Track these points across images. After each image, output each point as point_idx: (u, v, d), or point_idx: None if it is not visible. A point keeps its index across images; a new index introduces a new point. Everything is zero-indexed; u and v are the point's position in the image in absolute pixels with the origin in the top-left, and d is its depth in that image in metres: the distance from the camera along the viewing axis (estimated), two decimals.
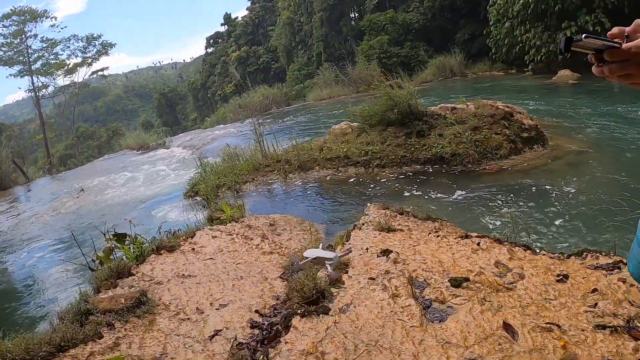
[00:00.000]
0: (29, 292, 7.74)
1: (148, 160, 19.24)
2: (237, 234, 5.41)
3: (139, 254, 4.99)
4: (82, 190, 16.34)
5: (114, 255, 5.22)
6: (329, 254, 3.88)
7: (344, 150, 8.89)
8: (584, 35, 1.40)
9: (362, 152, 8.73)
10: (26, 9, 53.99)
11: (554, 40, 22.75)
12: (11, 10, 53.10)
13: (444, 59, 30.42)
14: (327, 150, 9.13)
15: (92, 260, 5.33)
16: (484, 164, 8.08)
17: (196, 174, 10.89)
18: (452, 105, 9.71)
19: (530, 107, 13.61)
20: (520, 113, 9.25)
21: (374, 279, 3.45)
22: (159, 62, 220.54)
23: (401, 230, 4.67)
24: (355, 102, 20.84)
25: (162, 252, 4.89)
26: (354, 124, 10.08)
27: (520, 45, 25.11)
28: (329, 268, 3.70)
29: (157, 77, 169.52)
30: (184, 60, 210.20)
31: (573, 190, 6.54)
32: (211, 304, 3.56)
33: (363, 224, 4.86)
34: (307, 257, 3.98)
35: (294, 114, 23.44)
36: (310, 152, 9.22)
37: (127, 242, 5.29)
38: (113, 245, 5.28)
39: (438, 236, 4.37)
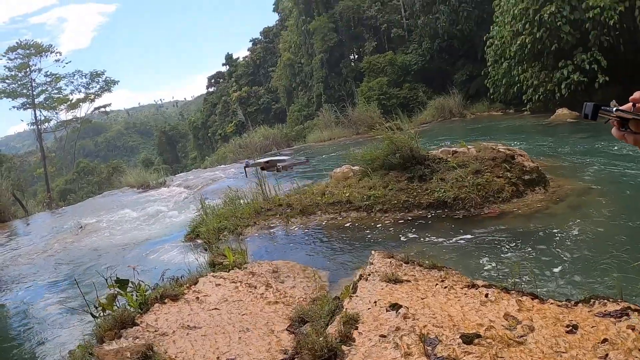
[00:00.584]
0: (26, 333, 7.61)
1: (148, 199, 19.20)
2: (240, 282, 5.36)
3: (142, 302, 4.94)
4: (82, 227, 16.26)
5: (117, 302, 5.17)
6: (282, 157, 3.77)
7: (346, 194, 8.90)
8: (614, 109, 1.42)
9: (364, 196, 8.74)
10: (32, 43, 55.34)
11: (551, 80, 23.05)
12: (17, 43, 54.26)
13: (443, 100, 30.76)
14: (329, 194, 9.14)
15: (95, 306, 5.27)
16: (486, 208, 8.07)
17: (197, 215, 10.85)
18: (454, 148, 9.76)
19: (530, 147, 13.69)
20: (521, 155, 9.31)
21: (385, 336, 3.41)
22: (161, 99, 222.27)
23: (408, 280, 4.63)
24: (356, 144, 20.95)
25: (166, 300, 4.85)
26: (356, 167, 10.12)
27: (518, 85, 25.45)
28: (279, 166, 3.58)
29: (158, 115, 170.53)
30: (185, 98, 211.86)
31: (576, 233, 6.54)
32: (218, 358, 3.51)
33: (369, 275, 4.83)
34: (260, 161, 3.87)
35: (295, 155, 23.54)
36: (312, 196, 9.23)
37: (129, 289, 5.23)
38: (116, 292, 5.23)
39: (445, 287, 4.34)
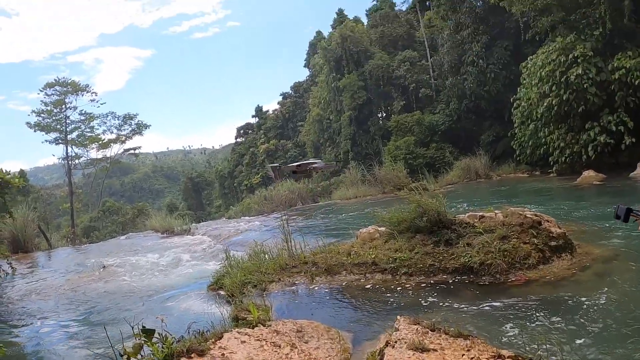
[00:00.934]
0: None
1: (172, 245, 19.32)
2: (265, 340, 5.39)
3: (167, 354, 4.99)
4: (104, 267, 16.38)
5: (142, 352, 5.22)
6: (314, 161, 3.67)
7: (372, 256, 8.92)
8: None
9: (390, 259, 8.75)
10: (69, 81, 57.04)
11: (578, 141, 23.14)
12: (55, 80, 56.02)
13: (469, 161, 30.84)
14: (354, 255, 9.18)
15: (120, 354, 5.33)
16: (512, 274, 8.03)
17: (221, 266, 10.90)
18: (481, 213, 9.77)
19: (556, 211, 13.63)
20: (548, 221, 9.26)
21: None
22: (189, 145, 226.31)
23: (434, 349, 4.64)
24: (382, 204, 20.95)
25: (192, 355, 4.90)
26: (382, 228, 10.16)
27: (544, 146, 25.48)
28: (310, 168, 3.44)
29: (185, 160, 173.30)
30: (212, 146, 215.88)
31: (603, 302, 6.46)
32: None
33: (396, 342, 4.84)
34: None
35: (320, 212, 23.53)
36: (338, 255, 9.26)
37: (155, 339, 5.29)
38: (142, 342, 5.30)
39: (472, 357, 4.34)
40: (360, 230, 10.92)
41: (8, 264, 11.80)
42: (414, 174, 30.83)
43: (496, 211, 9.78)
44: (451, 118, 38.02)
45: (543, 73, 23.91)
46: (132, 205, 73.63)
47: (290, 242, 10.16)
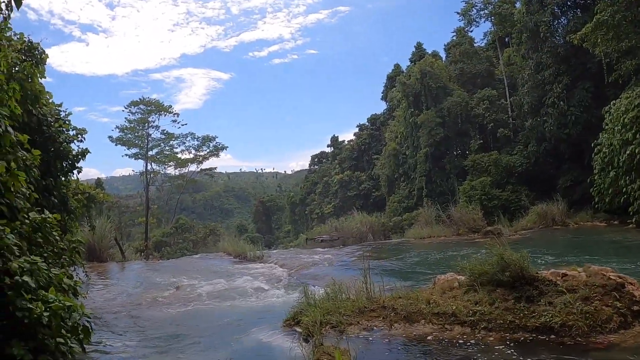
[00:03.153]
0: None
1: (245, 272, 19.71)
2: None
3: None
4: (178, 288, 16.87)
5: None
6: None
7: (452, 307, 8.92)
8: None
9: (470, 311, 8.71)
10: (154, 101, 59.58)
11: None
12: (140, 99, 58.59)
13: (546, 207, 30.01)
14: (434, 304, 9.20)
15: None
16: (592, 337, 7.87)
17: (297, 301, 11.00)
18: (563, 271, 9.61)
19: (638, 269, 13.15)
20: (631, 284, 9.01)
21: None
22: (261, 168, 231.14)
23: None
24: (457, 246, 20.82)
25: None
26: (461, 277, 10.14)
27: (625, 195, 24.53)
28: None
29: (257, 183, 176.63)
30: (284, 171, 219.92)
31: None
32: None
33: None
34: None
35: (394, 250, 23.46)
36: (417, 302, 9.30)
37: None
38: None
39: None
40: (438, 276, 10.92)
41: (84, 272, 12.44)
42: (488, 216, 30.36)
43: (579, 269, 9.60)
44: (529, 160, 37.28)
45: (626, 119, 23.16)
46: (204, 224, 75.54)
47: (369, 282, 10.27)
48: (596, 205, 28.36)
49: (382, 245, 28.70)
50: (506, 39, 48.96)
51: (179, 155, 65.07)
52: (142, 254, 39.73)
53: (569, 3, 36.03)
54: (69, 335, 5.22)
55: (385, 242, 31.31)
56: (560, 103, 33.55)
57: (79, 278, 14.60)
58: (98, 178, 67.06)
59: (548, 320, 8.19)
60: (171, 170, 68.53)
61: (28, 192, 5.77)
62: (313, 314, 9.26)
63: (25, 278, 4.81)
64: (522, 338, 8.09)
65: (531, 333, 8.19)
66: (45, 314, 4.82)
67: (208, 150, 66.11)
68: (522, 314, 8.47)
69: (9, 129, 5.36)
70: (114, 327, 11.60)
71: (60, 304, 5.00)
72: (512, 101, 42.41)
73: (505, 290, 9.01)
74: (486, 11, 49.79)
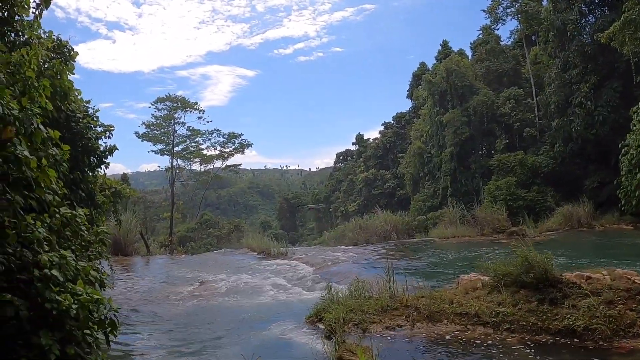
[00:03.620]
0: None
1: (268, 268, 19.85)
2: None
3: None
4: (201, 283, 17.04)
5: None
6: None
7: (475, 307, 8.95)
8: None
9: (493, 312, 8.73)
10: (180, 97, 59.93)
11: None
12: (166, 96, 59.04)
13: (572, 209, 29.58)
14: (457, 304, 9.23)
15: None
16: (615, 342, 7.84)
17: (320, 298, 11.05)
18: (588, 273, 9.55)
19: None
20: None
21: None
22: (286, 165, 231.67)
23: None
24: (480, 246, 20.71)
25: None
26: (484, 277, 10.15)
27: None
28: None
29: (281, 180, 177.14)
30: (309, 168, 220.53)
31: None
32: None
33: None
34: None
35: (419, 250, 23.36)
36: (440, 302, 9.34)
37: None
38: None
39: None
40: (462, 276, 10.94)
41: (109, 265, 12.70)
42: (513, 217, 30.08)
43: (604, 272, 9.54)
44: (555, 160, 36.80)
45: None
46: (229, 219, 76.00)
47: (392, 281, 10.32)
48: (623, 208, 27.80)
49: (405, 244, 28.63)
50: (533, 37, 48.31)
51: (205, 152, 65.62)
52: (167, 248, 40.18)
53: (596, 1, 35.42)
54: (95, 327, 5.36)
55: (408, 241, 31.24)
56: (587, 103, 33.03)
57: (104, 271, 14.91)
58: (124, 173, 67.94)
59: (571, 323, 8.18)
60: (196, 167, 69.16)
61: (58, 187, 5.92)
62: (336, 311, 9.35)
63: (54, 272, 4.97)
64: (544, 340, 8.10)
65: (554, 335, 8.19)
66: (74, 306, 4.97)
67: (233, 147, 66.48)
68: (545, 317, 8.47)
69: (41, 126, 5.51)
70: (136, 320, 11.81)
71: (89, 297, 5.15)
72: (539, 100, 41.87)
73: (528, 292, 9.01)
74: (513, 9, 49.21)
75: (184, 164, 65.94)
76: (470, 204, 33.32)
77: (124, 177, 56.39)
